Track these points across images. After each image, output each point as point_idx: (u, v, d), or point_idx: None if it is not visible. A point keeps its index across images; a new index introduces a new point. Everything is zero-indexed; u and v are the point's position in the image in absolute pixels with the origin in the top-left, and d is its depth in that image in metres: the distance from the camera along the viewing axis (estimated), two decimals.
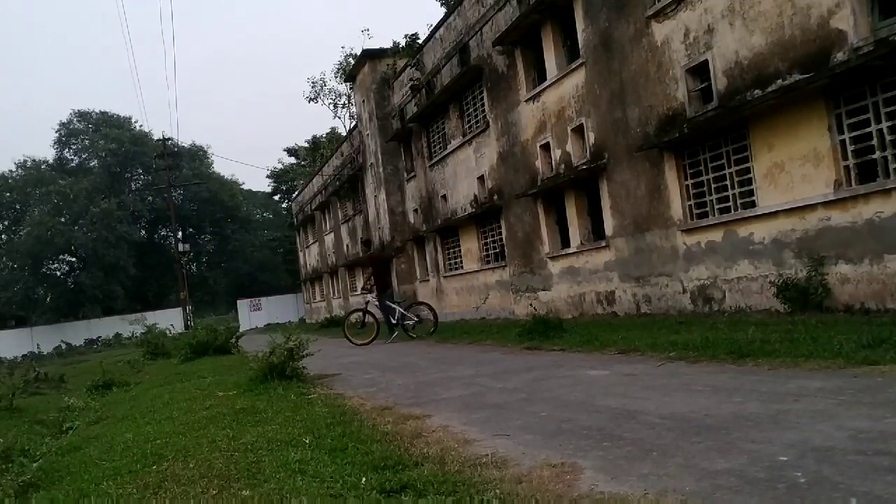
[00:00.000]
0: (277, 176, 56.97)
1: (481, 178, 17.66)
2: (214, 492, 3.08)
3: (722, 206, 9.91)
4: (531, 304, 14.52)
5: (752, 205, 9.29)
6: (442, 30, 19.15)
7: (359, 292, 12.86)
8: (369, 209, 26.99)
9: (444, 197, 20.15)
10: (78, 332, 45.44)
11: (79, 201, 47.00)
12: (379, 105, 24.39)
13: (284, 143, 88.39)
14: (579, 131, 13.07)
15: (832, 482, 2.42)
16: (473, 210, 18.11)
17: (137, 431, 5.19)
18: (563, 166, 13.69)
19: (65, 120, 55.87)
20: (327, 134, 47.01)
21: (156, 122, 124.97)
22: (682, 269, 10.64)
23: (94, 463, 4.26)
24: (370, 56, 24.63)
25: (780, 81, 8.49)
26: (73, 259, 50.27)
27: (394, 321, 13.38)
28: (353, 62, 32.37)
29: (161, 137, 43.06)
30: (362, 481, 2.98)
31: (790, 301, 8.48)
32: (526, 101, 14.85)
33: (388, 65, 24.22)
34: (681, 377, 5.11)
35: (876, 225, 7.54)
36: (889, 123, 7.47)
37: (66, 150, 55.92)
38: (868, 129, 7.69)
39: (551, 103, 13.93)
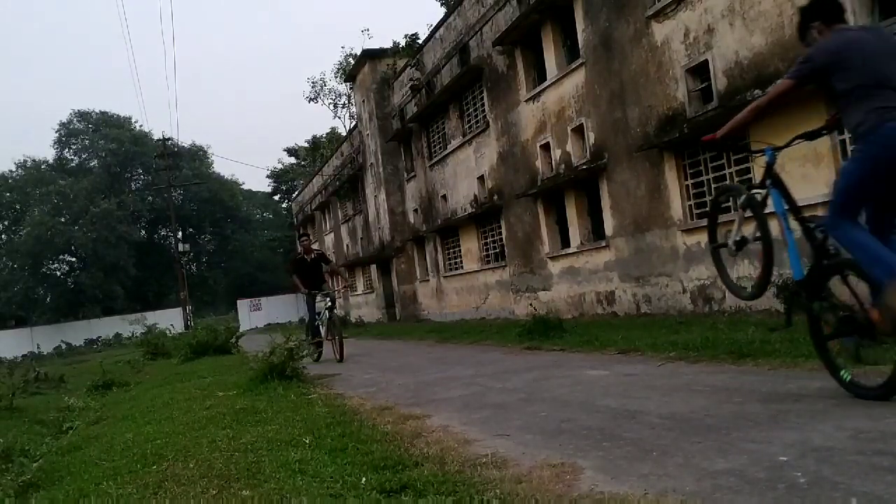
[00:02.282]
0: (277, 176, 57.01)
1: (481, 178, 17.67)
2: (214, 492, 3.08)
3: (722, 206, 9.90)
4: (531, 304, 14.53)
5: None
6: (442, 30, 19.15)
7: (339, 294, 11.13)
8: (369, 209, 27.00)
9: (444, 197, 20.16)
10: (78, 332, 45.40)
11: (79, 201, 46.98)
12: (379, 105, 24.39)
13: (284, 143, 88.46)
14: (579, 131, 13.07)
15: (832, 482, 2.42)
16: (473, 210, 18.12)
17: (137, 431, 5.18)
18: (563, 166, 13.70)
19: (65, 120, 55.87)
20: (327, 134, 47.10)
21: (156, 122, 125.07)
22: (682, 269, 10.64)
23: (94, 463, 4.25)
24: (370, 56, 24.65)
25: None
26: (73, 259, 50.27)
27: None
28: (353, 62, 32.38)
29: (161, 137, 43.14)
30: (362, 481, 2.97)
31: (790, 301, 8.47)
32: (526, 101, 14.85)
33: (388, 65, 24.24)
34: (681, 377, 5.11)
35: None
36: None
37: (66, 150, 55.89)
38: None
39: (551, 103, 13.93)
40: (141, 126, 56.68)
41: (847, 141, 7.92)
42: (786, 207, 3.84)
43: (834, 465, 2.60)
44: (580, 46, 12.74)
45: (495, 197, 16.82)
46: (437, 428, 4.20)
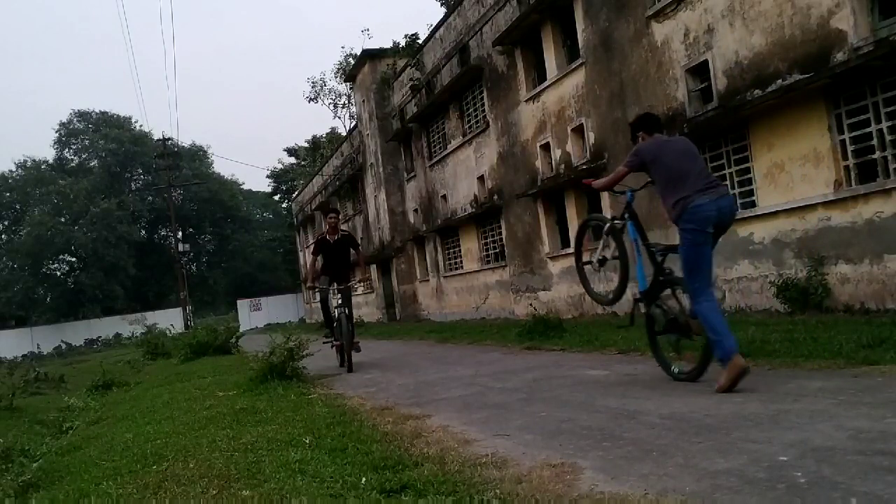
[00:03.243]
0: (277, 176, 56.96)
1: (481, 178, 17.66)
2: (214, 492, 3.08)
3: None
4: (531, 304, 14.52)
5: (753, 205, 9.29)
6: (442, 30, 19.15)
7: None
8: (369, 209, 26.99)
9: (444, 197, 20.15)
10: (78, 332, 45.42)
11: (79, 201, 46.99)
12: (379, 105, 24.39)
13: (284, 143, 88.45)
14: (579, 131, 13.07)
15: (832, 482, 2.42)
16: (473, 210, 18.11)
17: (137, 431, 5.19)
18: (563, 166, 13.69)
19: (65, 120, 55.92)
20: (327, 134, 47.01)
21: (156, 122, 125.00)
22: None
23: (94, 463, 4.25)
24: (370, 56, 24.64)
25: (780, 81, 8.49)
26: (73, 259, 50.27)
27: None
28: (353, 62, 32.37)
29: (161, 137, 43.10)
30: (362, 481, 2.97)
31: (790, 301, 8.48)
32: (526, 101, 14.85)
33: (388, 65, 24.23)
34: None
35: (876, 225, 7.54)
36: (889, 123, 7.48)
37: (66, 150, 55.90)
38: (868, 129, 7.69)
39: (551, 103, 13.92)
40: (141, 126, 56.77)
41: (847, 141, 7.94)
42: (637, 235, 5.09)
43: (834, 465, 2.60)
44: (580, 46, 12.74)
45: (495, 197, 16.81)
46: (437, 428, 4.20)
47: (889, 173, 7.52)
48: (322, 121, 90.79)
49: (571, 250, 13.75)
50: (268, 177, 58.62)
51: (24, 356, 37.21)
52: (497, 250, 17.61)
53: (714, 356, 4.45)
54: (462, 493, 2.69)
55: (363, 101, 26.09)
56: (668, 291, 4.96)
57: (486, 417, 4.47)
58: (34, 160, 54.07)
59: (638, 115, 5.48)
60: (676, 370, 4.90)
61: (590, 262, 5.47)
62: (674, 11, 10.23)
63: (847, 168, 7.96)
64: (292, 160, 54.51)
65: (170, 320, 33.95)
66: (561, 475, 2.89)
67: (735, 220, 4.81)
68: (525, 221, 15.52)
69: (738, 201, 9.58)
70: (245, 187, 62.67)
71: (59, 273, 50.66)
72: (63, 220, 47.84)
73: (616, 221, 5.24)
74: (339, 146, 33.39)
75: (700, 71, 9.95)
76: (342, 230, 9.33)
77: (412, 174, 22.93)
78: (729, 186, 9.70)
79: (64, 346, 43.39)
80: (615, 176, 5.11)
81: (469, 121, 18.55)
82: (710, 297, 4.55)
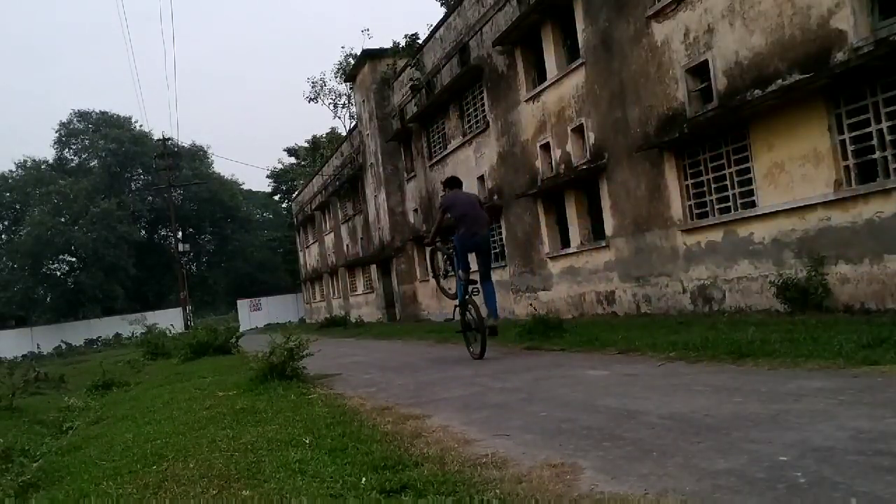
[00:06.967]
0: (277, 176, 56.98)
1: (481, 178, 17.66)
2: (214, 492, 3.08)
3: (722, 206, 9.91)
4: (531, 304, 14.53)
5: (753, 205, 9.29)
6: (442, 30, 19.15)
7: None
8: (369, 209, 26.99)
9: None
10: (78, 332, 45.41)
11: (79, 201, 47.00)
12: (379, 105, 24.39)
13: (284, 143, 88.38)
14: (579, 131, 13.07)
15: (832, 482, 2.42)
16: None
17: (137, 431, 5.19)
18: (563, 166, 13.69)
19: (65, 120, 55.97)
20: (327, 134, 47.02)
21: (156, 122, 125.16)
22: (682, 269, 10.64)
23: (94, 463, 4.25)
24: (370, 56, 24.64)
25: (780, 81, 8.50)
26: (73, 259, 50.28)
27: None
28: (353, 62, 32.38)
29: (161, 137, 43.09)
30: (362, 481, 2.97)
31: (790, 301, 8.48)
32: (526, 101, 14.85)
33: (388, 65, 24.23)
34: (681, 377, 5.11)
35: (876, 225, 7.54)
36: (889, 123, 7.48)
37: (66, 150, 55.94)
38: (868, 129, 7.69)
39: (551, 103, 13.93)
40: (141, 126, 56.79)
41: (847, 141, 7.94)
42: (460, 266, 8.02)
43: (834, 465, 2.60)
44: (580, 46, 12.74)
45: (495, 197, 16.81)
46: (437, 428, 4.19)
47: (889, 173, 7.51)
48: (322, 121, 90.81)
49: (572, 250, 13.80)
50: (268, 177, 58.70)
51: (24, 356, 37.18)
52: (497, 250, 17.60)
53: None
54: (462, 493, 2.69)
55: (363, 101, 26.09)
56: (470, 307, 7.82)
57: (486, 417, 4.47)
58: (34, 160, 54.16)
59: (447, 178, 8.85)
60: (473, 350, 8.00)
61: (438, 274, 9.03)
62: (674, 11, 10.23)
63: (847, 168, 7.96)
64: (292, 160, 54.54)
65: (170, 320, 33.88)
66: (561, 475, 2.89)
67: (490, 245, 8.49)
68: (525, 221, 15.52)
69: (739, 201, 9.60)
70: (245, 187, 62.75)
71: (59, 273, 50.67)
72: (63, 220, 47.83)
73: (450, 250, 8.35)
74: (339, 146, 33.39)
75: (700, 71, 9.95)
76: None
77: (412, 174, 22.93)
78: (729, 186, 9.71)
79: (64, 346, 43.37)
80: (437, 221, 8.36)
81: (469, 121, 18.55)
82: (463, 274, 7.88)
